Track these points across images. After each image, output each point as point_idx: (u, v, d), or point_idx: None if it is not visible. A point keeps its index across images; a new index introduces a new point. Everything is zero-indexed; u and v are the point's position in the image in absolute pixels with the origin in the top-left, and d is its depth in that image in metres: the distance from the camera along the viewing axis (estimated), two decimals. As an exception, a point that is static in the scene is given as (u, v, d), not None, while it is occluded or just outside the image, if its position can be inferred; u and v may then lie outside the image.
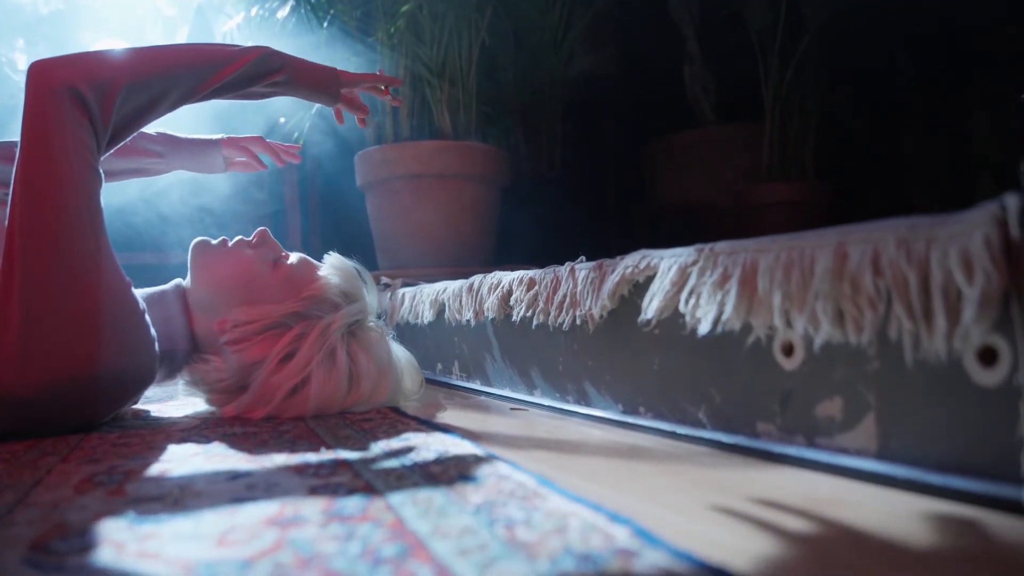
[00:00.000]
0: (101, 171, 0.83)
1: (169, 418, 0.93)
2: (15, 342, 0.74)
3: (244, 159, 1.23)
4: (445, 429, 0.78)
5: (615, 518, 0.44)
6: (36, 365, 0.74)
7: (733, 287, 0.64)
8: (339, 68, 1.07)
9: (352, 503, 0.50)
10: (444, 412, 0.96)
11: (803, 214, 1.99)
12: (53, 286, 0.75)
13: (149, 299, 0.93)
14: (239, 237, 0.99)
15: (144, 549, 0.41)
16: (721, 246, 0.67)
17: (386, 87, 1.13)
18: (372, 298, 1.00)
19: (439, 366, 1.33)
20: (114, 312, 0.79)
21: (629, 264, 0.79)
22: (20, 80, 2.30)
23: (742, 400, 0.67)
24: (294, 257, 0.99)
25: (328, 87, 1.04)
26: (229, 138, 1.19)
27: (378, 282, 1.08)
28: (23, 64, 2.32)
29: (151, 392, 1.23)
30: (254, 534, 0.43)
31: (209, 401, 0.96)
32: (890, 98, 2.18)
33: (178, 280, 0.98)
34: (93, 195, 0.81)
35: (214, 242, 0.97)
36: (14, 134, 1.04)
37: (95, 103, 0.81)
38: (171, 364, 0.94)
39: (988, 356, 0.48)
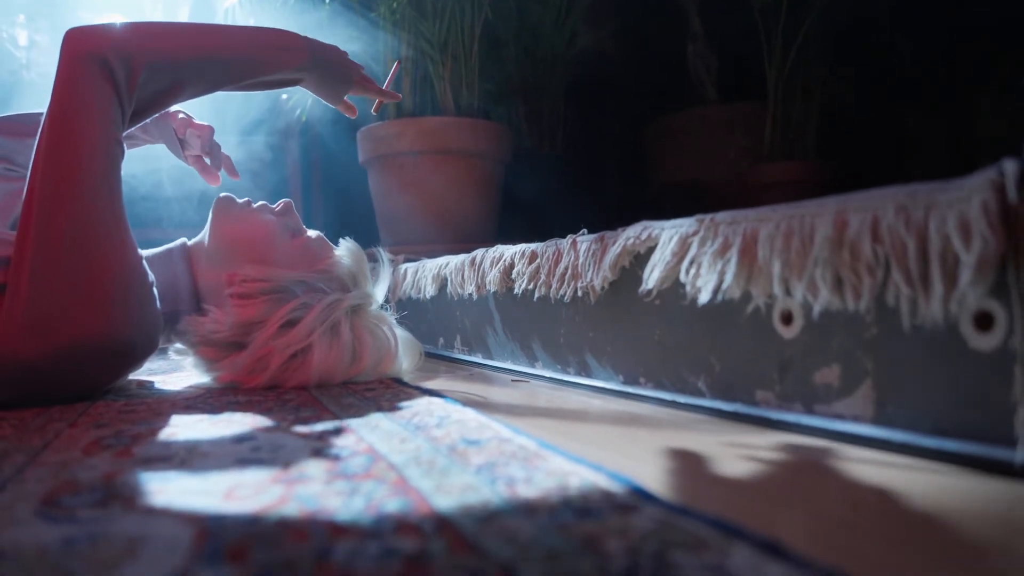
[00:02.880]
0: (124, 144, 0.84)
1: (174, 389, 0.94)
2: (23, 307, 0.74)
3: (195, 153, 1.11)
4: (447, 398, 0.78)
5: (614, 477, 0.45)
6: (42, 331, 0.75)
7: (733, 256, 0.64)
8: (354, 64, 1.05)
9: (356, 463, 0.50)
10: (446, 383, 0.97)
11: (804, 194, 1.97)
12: (66, 254, 0.76)
13: (154, 258, 0.93)
14: (263, 202, 1.00)
15: (152, 503, 0.42)
16: (722, 216, 0.68)
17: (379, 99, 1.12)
18: (381, 288, 1.01)
19: (441, 340, 1.34)
20: (124, 282, 0.80)
21: (630, 235, 0.79)
22: (20, 56, 2.30)
23: (741, 369, 0.68)
24: (312, 233, 1.01)
25: (336, 94, 1.04)
26: (185, 116, 1.09)
27: (375, 258, 1.08)
28: (24, 40, 2.31)
29: (155, 364, 1.24)
30: (260, 490, 0.44)
31: (199, 355, 0.93)
32: (893, 78, 2.17)
33: (183, 239, 0.99)
34: (114, 167, 0.82)
35: (239, 200, 0.98)
36: (15, 109, 1.04)
37: (122, 76, 0.82)
38: (174, 326, 0.94)
39: (984, 321, 0.48)
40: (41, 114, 0.89)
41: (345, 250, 1.00)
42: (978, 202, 0.46)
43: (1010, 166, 0.45)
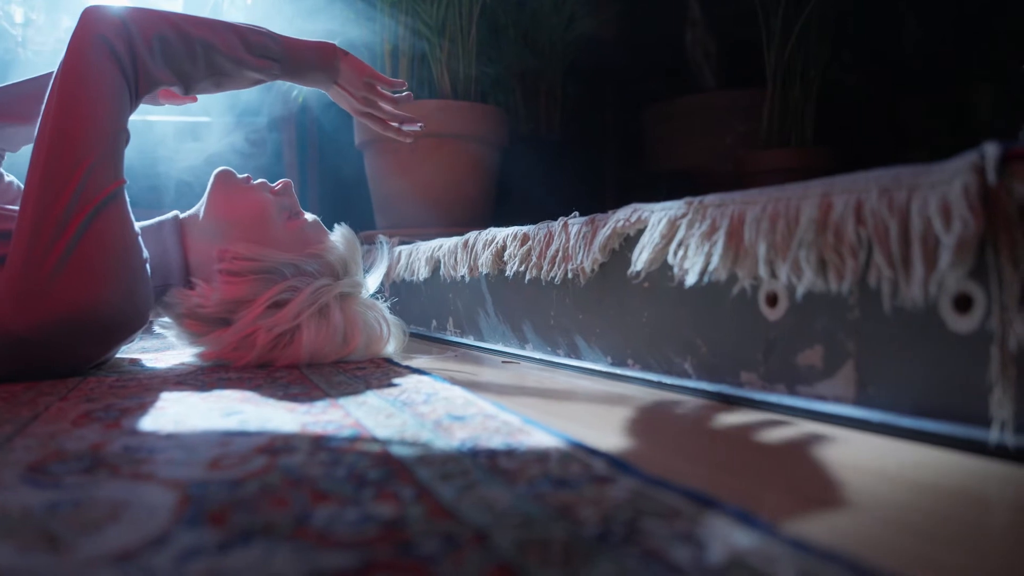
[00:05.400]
0: (128, 130, 0.86)
1: (165, 366, 0.95)
2: (16, 279, 0.75)
3: None
4: (436, 376, 0.79)
5: (594, 451, 0.45)
6: (32, 304, 0.75)
7: (720, 238, 0.65)
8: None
9: (342, 436, 0.51)
10: (437, 364, 0.98)
11: (801, 181, 1.98)
12: (64, 228, 0.77)
13: (146, 230, 0.94)
14: (263, 180, 1.00)
15: (138, 471, 0.43)
16: (710, 199, 0.68)
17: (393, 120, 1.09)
18: (375, 277, 1.02)
19: (434, 322, 1.35)
20: (118, 257, 0.81)
21: (620, 218, 0.80)
22: (16, 33, 2.28)
23: (727, 350, 0.68)
24: (309, 217, 1.01)
25: (319, 82, 1.04)
26: None
27: (374, 240, 1.09)
28: (19, 17, 2.30)
29: (148, 343, 1.25)
30: (245, 460, 0.45)
31: (184, 328, 0.93)
32: (893, 66, 2.17)
33: (175, 212, 0.99)
34: (118, 147, 0.83)
35: (239, 175, 0.99)
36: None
37: (129, 59, 0.84)
38: (161, 299, 0.94)
39: (963, 303, 0.49)
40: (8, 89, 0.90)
41: (340, 236, 1.00)
42: (959, 184, 0.47)
43: (991, 149, 0.45)
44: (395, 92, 1.07)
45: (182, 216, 0.98)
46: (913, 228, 0.50)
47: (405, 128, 1.09)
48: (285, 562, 0.29)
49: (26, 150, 1.04)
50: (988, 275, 0.46)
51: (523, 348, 1.04)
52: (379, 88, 1.05)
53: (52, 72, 1.01)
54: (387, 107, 1.07)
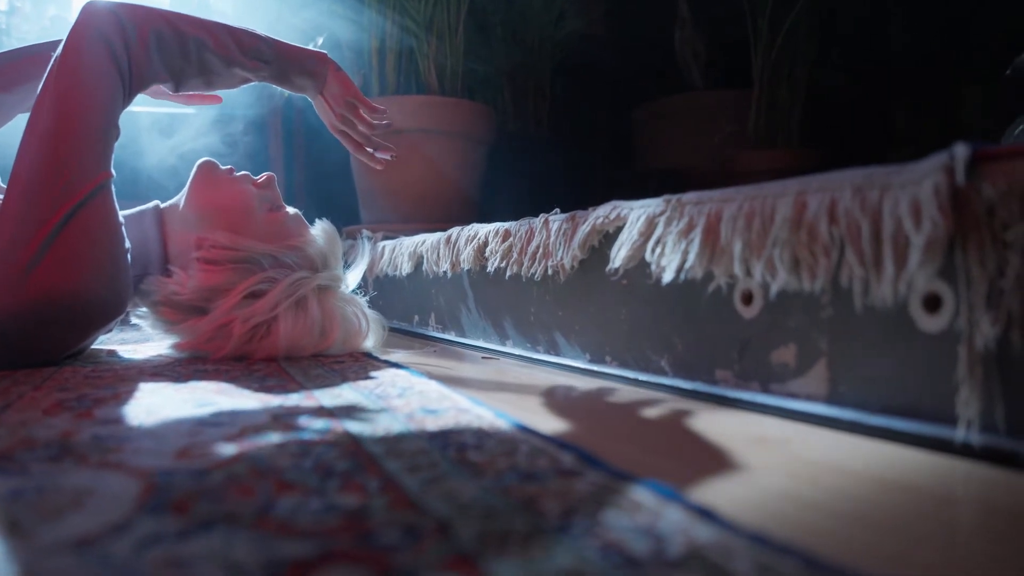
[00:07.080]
0: (119, 126, 0.86)
1: (142, 357, 0.94)
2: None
3: None
4: (413, 370, 0.79)
5: (563, 445, 0.45)
6: (16, 289, 0.76)
7: (697, 236, 0.65)
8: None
9: (313, 428, 0.51)
10: (416, 359, 0.98)
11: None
12: (52, 217, 0.77)
13: (128, 219, 0.94)
14: (246, 172, 1.00)
15: (106, 460, 0.43)
16: (688, 196, 0.68)
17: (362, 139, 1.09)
18: (355, 273, 1.02)
19: (416, 318, 1.34)
20: (103, 248, 0.81)
21: (600, 215, 0.80)
22: (0, 22, 2.26)
23: (703, 348, 0.68)
24: (290, 210, 1.01)
25: (305, 88, 1.04)
26: None
27: (357, 235, 1.09)
28: (4, 5, 2.28)
29: (127, 335, 1.24)
30: (213, 450, 0.45)
31: (159, 316, 0.93)
32: (881, 67, 2.18)
33: (156, 202, 0.99)
34: (108, 143, 0.84)
35: (222, 167, 0.99)
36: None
37: (125, 57, 0.84)
38: (139, 287, 0.94)
39: (933, 303, 0.49)
40: None
41: (320, 230, 1.00)
42: (929, 185, 0.47)
43: (960, 150, 0.46)
44: (375, 119, 1.07)
45: (163, 206, 0.98)
46: (884, 227, 0.50)
47: (378, 155, 1.09)
48: (244, 550, 0.29)
49: (10, 133, 1.03)
50: (957, 275, 0.47)
51: (504, 344, 1.04)
52: (360, 111, 1.05)
53: (29, 46, 1.01)
54: (364, 129, 1.07)
